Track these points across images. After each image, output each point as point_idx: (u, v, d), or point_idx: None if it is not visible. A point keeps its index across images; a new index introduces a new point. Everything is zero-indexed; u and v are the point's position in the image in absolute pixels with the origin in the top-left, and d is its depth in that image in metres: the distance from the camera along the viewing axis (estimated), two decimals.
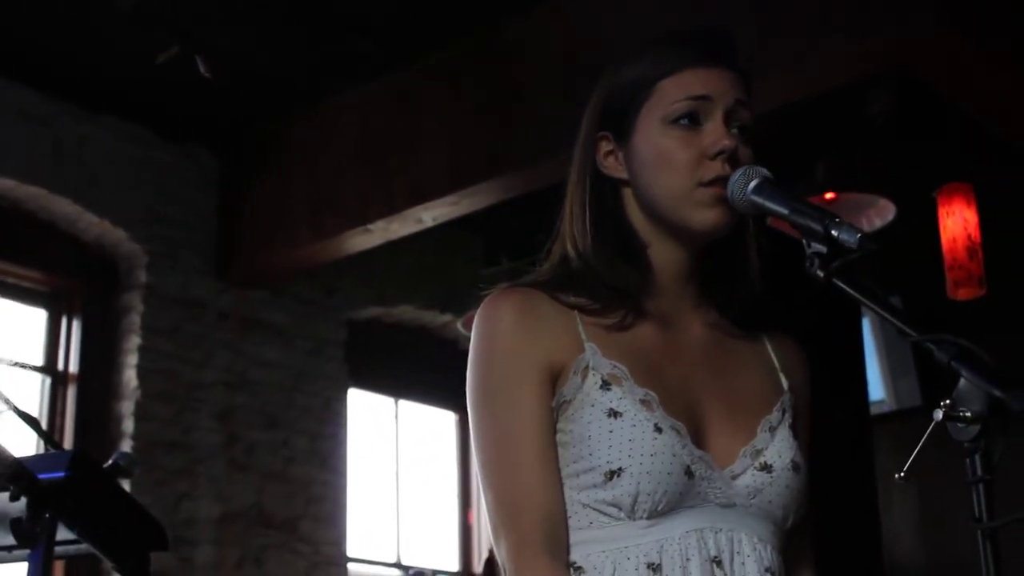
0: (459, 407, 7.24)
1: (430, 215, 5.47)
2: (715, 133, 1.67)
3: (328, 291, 6.55)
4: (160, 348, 5.82)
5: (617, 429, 1.61)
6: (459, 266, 6.92)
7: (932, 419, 1.34)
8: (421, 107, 5.41)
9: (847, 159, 5.37)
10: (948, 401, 1.33)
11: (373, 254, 6.03)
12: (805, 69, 4.37)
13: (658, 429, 1.60)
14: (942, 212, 4.48)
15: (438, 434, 7.34)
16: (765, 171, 1.62)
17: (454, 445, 7.36)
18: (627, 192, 1.75)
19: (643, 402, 1.62)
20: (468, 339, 1.74)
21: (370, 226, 5.54)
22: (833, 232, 1.47)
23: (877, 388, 7.13)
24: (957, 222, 4.45)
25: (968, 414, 1.33)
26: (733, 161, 1.66)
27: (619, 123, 1.74)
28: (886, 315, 1.42)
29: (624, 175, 1.74)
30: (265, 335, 6.23)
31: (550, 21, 5.05)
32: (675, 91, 1.70)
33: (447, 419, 7.38)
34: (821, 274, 1.48)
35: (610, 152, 1.76)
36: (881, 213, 5.10)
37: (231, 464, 5.97)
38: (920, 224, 4.95)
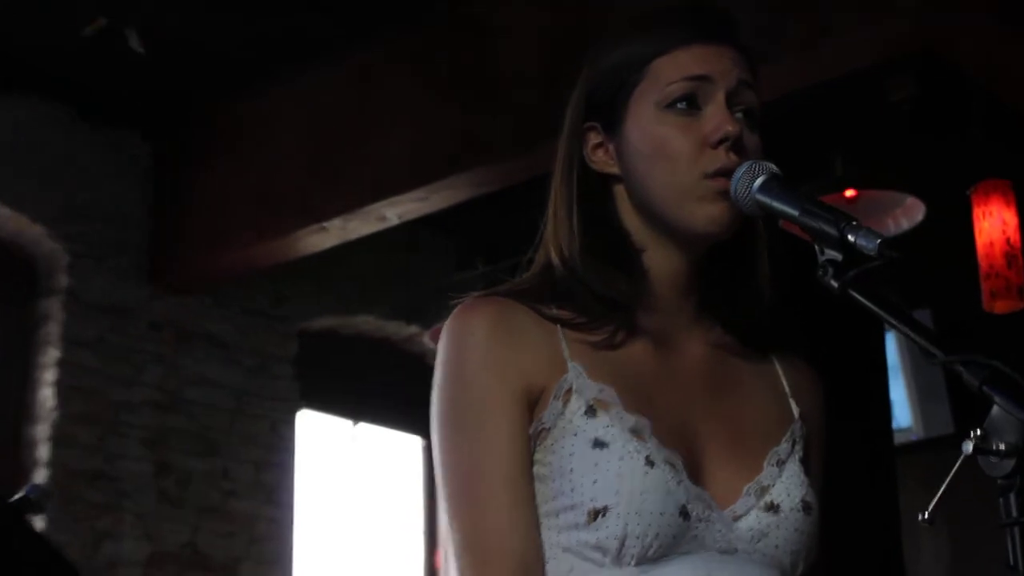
0: (426, 431, 7.17)
1: (394, 212, 5.48)
2: (717, 117, 1.67)
3: (276, 299, 6.54)
4: (82, 362, 5.80)
5: (603, 462, 1.60)
6: (427, 270, 6.93)
7: (962, 452, 1.33)
8: (384, 90, 5.42)
9: (870, 152, 5.39)
10: (979, 431, 1.33)
11: (328, 256, 6.02)
12: (821, 52, 4.40)
13: (650, 462, 1.60)
14: (977, 213, 4.50)
15: (402, 462, 7.34)
16: (773, 167, 1.62)
17: (420, 475, 7.36)
18: (619, 189, 1.75)
19: (633, 431, 1.62)
20: (436, 354, 1.74)
21: (325, 224, 5.54)
22: (849, 237, 1.47)
23: (904, 414, 7.15)
24: (994, 224, 4.46)
25: (1002, 447, 1.32)
26: (738, 149, 1.66)
27: (608, 111, 1.74)
28: (909, 332, 1.43)
29: (615, 170, 1.74)
30: (203, 349, 6.22)
31: None
32: (670, 72, 1.69)
33: (412, 444, 7.38)
34: (835, 284, 1.48)
35: (599, 145, 1.75)
36: (908, 213, 5.11)
37: (162, 497, 5.95)
38: (952, 226, 4.97)
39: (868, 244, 1.45)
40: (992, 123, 4.90)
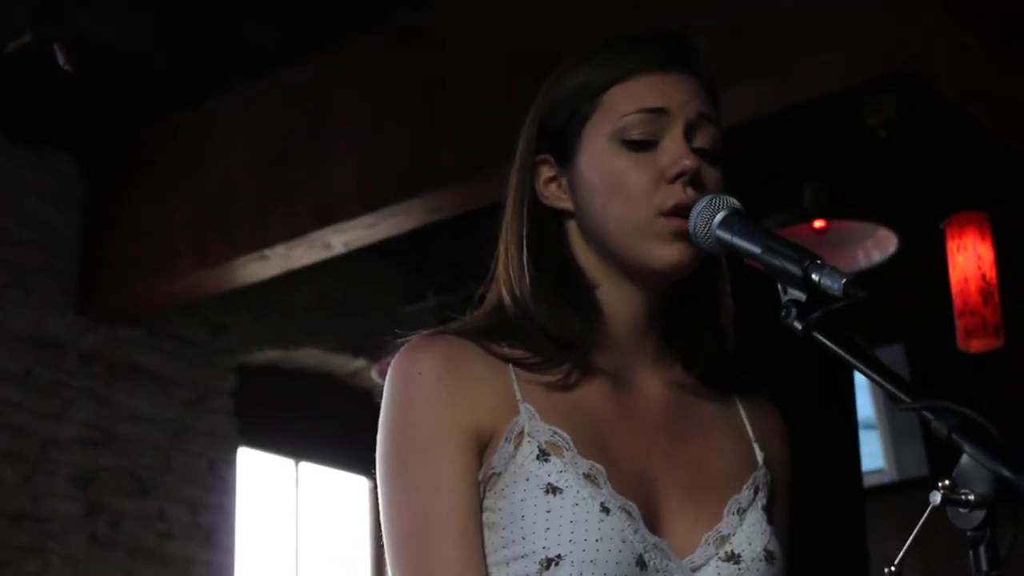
0: (372, 472, 7.18)
1: (340, 239, 5.47)
2: (674, 151, 1.68)
3: (214, 330, 6.52)
4: (7, 397, 5.77)
5: (556, 508, 1.60)
6: (375, 302, 6.92)
7: (930, 502, 1.34)
8: (330, 109, 5.42)
9: (840, 181, 5.42)
10: (947, 481, 1.33)
11: (270, 286, 6.01)
12: (791, 74, 4.42)
13: (605, 509, 1.61)
14: (951, 247, 4.49)
15: (347, 504, 7.32)
16: (734, 201, 1.63)
17: (366, 517, 7.34)
18: (572, 225, 1.76)
19: (588, 476, 1.62)
20: (382, 392, 1.74)
21: (267, 252, 5.53)
22: (813, 276, 1.48)
23: (875, 455, 7.17)
24: (969, 259, 4.46)
25: (971, 497, 1.33)
26: (697, 184, 1.67)
27: (560, 143, 1.74)
28: (875, 377, 1.44)
29: (568, 205, 1.75)
30: (137, 383, 6.19)
31: (486, 8, 5.07)
32: (625, 102, 1.70)
33: (358, 485, 7.36)
34: (799, 326, 1.49)
35: (552, 179, 1.76)
36: (881, 245, 5.14)
37: (93, 540, 5.92)
38: (927, 258, 5.00)
39: (833, 284, 1.46)
40: (971, 149, 4.93)
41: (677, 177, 1.67)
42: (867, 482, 6.44)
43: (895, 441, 7.13)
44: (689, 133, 1.70)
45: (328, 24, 5.27)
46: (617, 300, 1.74)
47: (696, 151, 1.69)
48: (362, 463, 7.10)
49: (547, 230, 1.76)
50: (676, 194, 1.66)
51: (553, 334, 1.71)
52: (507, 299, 1.75)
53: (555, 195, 1.76)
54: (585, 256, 1.75)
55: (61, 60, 4.63)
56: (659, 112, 1.69)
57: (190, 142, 5.83)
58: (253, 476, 6.84)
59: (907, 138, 5.27)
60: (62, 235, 6.04)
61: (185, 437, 6.33)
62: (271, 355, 6.86)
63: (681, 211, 1.66)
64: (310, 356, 7.01)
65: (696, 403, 1.79)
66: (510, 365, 1.69)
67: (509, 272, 1.76)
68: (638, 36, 1.77)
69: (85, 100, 5.69)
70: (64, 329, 5.98)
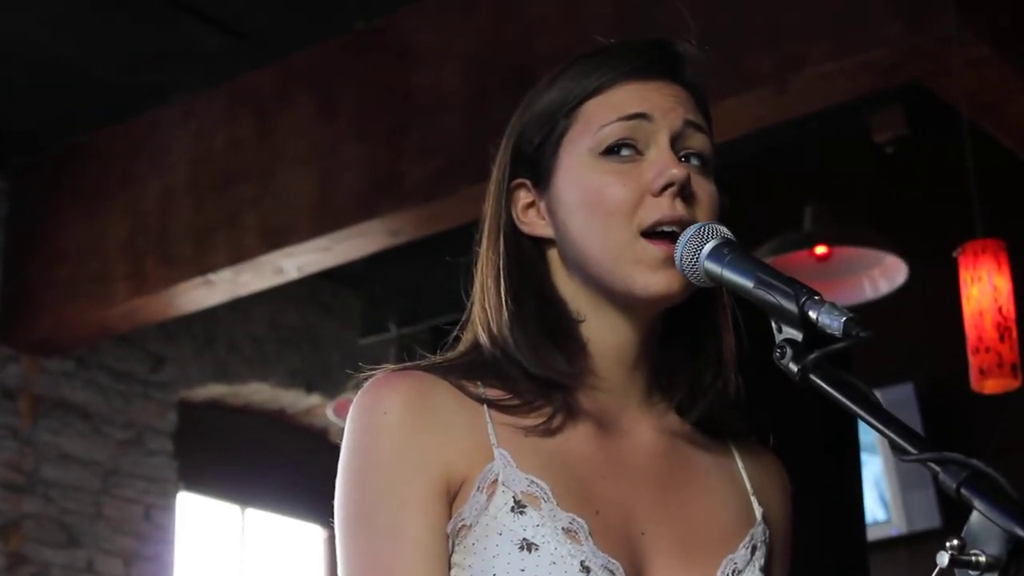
0: (327, 519, 7.15)
1: (293, 264, 5.47)
2: (659, 162, 1.67)
3: (153, 363, 6.52)
4: None
5: (531, 567, 1.60)
6: (331, 333, 6.92)
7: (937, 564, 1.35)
8: (282, 121, 5.43)
9: (844, 203, 5.44)
10: (956, 541, 1.34)
11: (215, 314, 6.01)
12: (791, 84, 4.44)
13: (585, 569, 1.60)
14: (964, 277, 4.46)
15: (299, 555, 7.31)
16: (725, 230, 1.63)
17: (320, 570, 7.33)
18: (553, 254, 1.76)
19: (567, 531, 1.62)
20: (341, 429, 1.73)
21: (211, 276, 5.53)
22: (810, 314, 1.48)
23: (881, 506, 7.18)
24: (984, 291, 4.43)
25: (982, 559, 1.33)
26: (687, 197, 1.66)
27: (537, 164, 1.75)
28: (879, 426, 1.44)
29: (548, 232, 1.75)
30: (65, 420, 6.18)
31: (454, 12, 5.09)
32: (603, 113, 1.71)
33: (311, 534, 7.36)
34: (794, 368, 1.49)
35: (530, 204, 1.76)
36: (888, 274, 5.15)
37: None
38: (938, 289, 5.02)
39: (832, 322, 1.46)
40: (987, 170, 4.95)
41: (664, 189, 1.66)
42: (871, 535, 6.46)
43: (903, 490, 7.14)
44: (676, 143, 1.70)
45: (281, 28, 5.28)
46: (603, 334, 1.73)
47: (685, 161, 1.69)
48: (315, 510, 7.13)
49: (526, 260, 1.76)
50: (661, 207, 1.66)
51: (534, 373, 1.70)
52: (483, 337, 1.74)
53: (534, 221, 1.76)
54: (567, 287, 1.75)
55: None
56: (641, 118, 1.70)
57: (127, 155, 5.84)
58: (194, 524, 6.83)
59: (917, 156, 5.30)
60: None
61: (118, 481, 6.32)
62: (215, 390, 6.86)
63: (667, 231, 1.65)
64: (258, 392, 7.01)
65: (689, 451, 1.79)
66: (485, 406, 1.68)
67: (486, 308, 1.75)
68: (617, 45, 1.77)
69: (12, 108, 5.69)
70: None
